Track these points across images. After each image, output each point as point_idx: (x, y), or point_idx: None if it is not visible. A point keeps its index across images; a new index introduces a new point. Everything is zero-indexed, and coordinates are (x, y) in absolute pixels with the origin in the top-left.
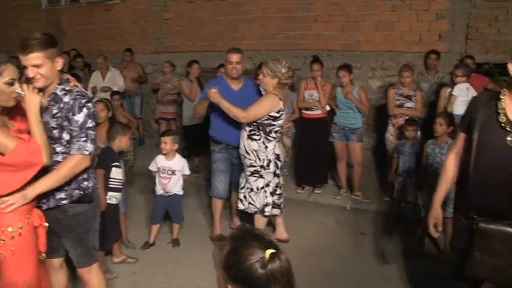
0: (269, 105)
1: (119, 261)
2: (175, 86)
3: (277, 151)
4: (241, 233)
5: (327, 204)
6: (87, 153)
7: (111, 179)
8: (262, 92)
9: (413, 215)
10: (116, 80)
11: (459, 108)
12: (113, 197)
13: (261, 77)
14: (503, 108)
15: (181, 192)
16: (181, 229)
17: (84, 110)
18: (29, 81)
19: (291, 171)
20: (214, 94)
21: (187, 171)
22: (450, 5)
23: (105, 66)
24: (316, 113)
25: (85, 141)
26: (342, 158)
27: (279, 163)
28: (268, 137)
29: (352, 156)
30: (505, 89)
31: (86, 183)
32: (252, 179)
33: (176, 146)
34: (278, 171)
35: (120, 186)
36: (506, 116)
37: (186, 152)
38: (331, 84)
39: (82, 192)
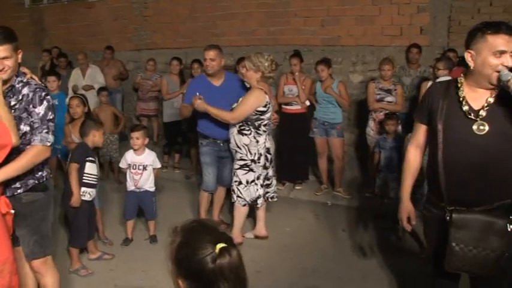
0: (255, 101)
1: (95, 257)
2: (156, 84)
3: (268, 144)
4: (193, 225)
5: (308, 201)
6: (49, 144)
7: (85, 174)
8: (247, 85)
9: (395, 211)
10: (96, 76)
11: None
12: (86, 193)
13: (243, 71)
14: (464, 97)
15: (153, 189)
16: (159, 225)
17: (45, 102)
18: None
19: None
20: (200, 104)
21: (158, 165)
22: None
23: (86, 63)
24: (296, 108)
25: (47, 132)
26: (322, 153)
27: (269, 156)
28: (258, 131)
29: (333, 151)
30: (461, 77)
31: (40, 173)
32: (240, 172)
33: (147, 141)
34: (268, 164)
35: (94, 182)
36: (468, 105)
37: (166, 149)
38: (311, 79)
39: (36, 181)
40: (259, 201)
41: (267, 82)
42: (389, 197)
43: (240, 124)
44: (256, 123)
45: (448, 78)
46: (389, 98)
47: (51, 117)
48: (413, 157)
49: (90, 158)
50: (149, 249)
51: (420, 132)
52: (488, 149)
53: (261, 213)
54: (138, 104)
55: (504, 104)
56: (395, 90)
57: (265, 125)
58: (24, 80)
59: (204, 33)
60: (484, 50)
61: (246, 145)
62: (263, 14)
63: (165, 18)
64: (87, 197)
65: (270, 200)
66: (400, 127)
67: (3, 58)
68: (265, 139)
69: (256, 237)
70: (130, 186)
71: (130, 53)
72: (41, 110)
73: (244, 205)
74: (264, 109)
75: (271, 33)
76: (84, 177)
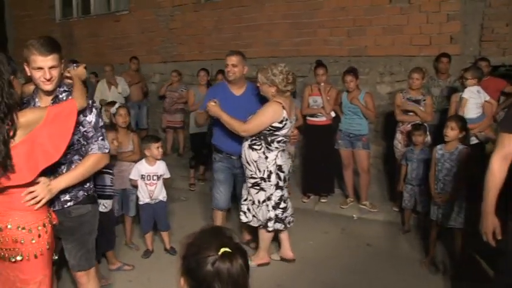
0: (271, 116)
1: (115, 268)
2: (182, 95)
3: (279, 161)
4: (208, 229)
5: (333, 214)
6: (107, 151)
7: (98, 186)
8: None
9: (423, 225)
10: (122, 87)
11: (471, 111)
12: (100, 204)
13: (258, 85)
14: None
15: (165, 198)
16: (178, 236)
17: (94, 110)
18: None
19: (296, 180)
20: (213, 108)
21: (168, 174)
22: (461, 6)
23: (112, 75)
24: (321, 119)
25: (102, 139)
26: (348, 165)
27: (281, 174)
28: (270, 147)
29: (358, 163)
30: None
31: (88, 183)
32: (253, 191)
33: (162, 150)
34: (281, 183)
35: (109, 193)
36: None
37: (193, 162)
38: (336, 89)
39: (86, 193)
40: (270, 224)
41: (285, 96)
42: (416, 211)
43: (252, 138)
44: (269, 139)
45: (478, 87)
46: None
47: (102, 123)
48: (499, 168)
49: (105, 170)
50: (169, 261)
51: (508, 142)
52: None
53: (283, 236)
54: (164, 116)
55: None
56: (424, 100)
57: (279, 142)
58: (66, 89)
59: (230, 44)
60: None
61: (255, 161)
62: (288, 24)
63: (190, 30)
64: (102, 208)
65: (288, 225)
66: (429, 138)
67: (51, 68)
68: (276, 155)
69: (283, 259)
70: (144, 198)
71: (156, 66)
72: (92, 118)
73: (260, 226)
74: (280, 125)
75: (296, 44)
76: (97, 189)
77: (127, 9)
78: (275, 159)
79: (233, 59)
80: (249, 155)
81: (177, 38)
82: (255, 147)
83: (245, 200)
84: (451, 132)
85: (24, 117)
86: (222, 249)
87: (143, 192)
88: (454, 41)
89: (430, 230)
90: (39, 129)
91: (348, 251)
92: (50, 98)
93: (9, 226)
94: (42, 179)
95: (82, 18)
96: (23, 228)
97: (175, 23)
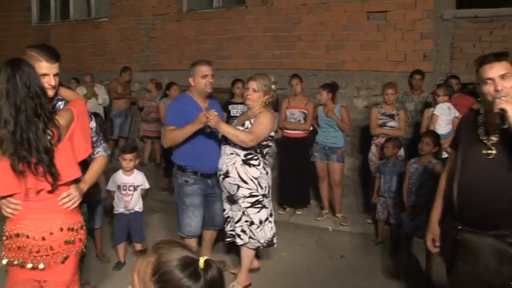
0: (271, 124)
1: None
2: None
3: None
4: (166, 242)
5: (309, 226)
6: (109, 152)
7: None
8: (232, 110)
9: (396, 237)
10: (100, 93)
11: (441, 128)
12: None
13: (249, 92)
14: (483, 122)
15: (141, 209)
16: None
17: (92, 116)
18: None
19: (272, 192)
20: (215, 118)
21: (147, 185)
22: (434, 25)
23: (92, 85)
24: (298, 132)
25: (104, 142)
26: (323, 178)
27: None
28: (265, 161)
29: (331, 176)
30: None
31: None
32: (253, 210)
33: (137, 161)
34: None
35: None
36: (485, 130)
37: (168, 171)
38: (313, 103)
39: None
40: (275, 240)
41: (269, 106)
42: (389, 222)
43: (247, 152)
44: (265, 151)
45: (448, 104)
46: (391, 123)
47: (98, 128)
48: (444, 181)
49: None
50: None
51: (451, 158)
52: (494, 173)
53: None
54: (141, 125)
55: None
56: (398, 115)
57: (267, 153)
58: (60, 97)
59: (210, 55)
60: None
61: (255, 178)
62: (268, 37)
63: (171, 40)
64: None
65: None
66: (402, 152)
67: (56, 75)
68: (270, 169)
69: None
70: (119, 208)
71: (136, 74)
72: (93, 123)
73: (258, 247)
74: (274, 135)
75: (276, 56)
76: None
77: (107, 16)
78: (270, 173)
79: (211, 69)
80: (247, 172)
81: (157, 47)
82: (252, 162)
83: (237, 221)
84: (426, 147)
85: (63, 118)
86: (201, 259)
87: (119, 202)
88: (427, 58)
89: (403, 242)
90: (74, 126)
91: (321, 262)
92: (50, 105)
93: (60, 227)
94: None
95: (60, 22)
96: (72, 229)
97: (156, 32)
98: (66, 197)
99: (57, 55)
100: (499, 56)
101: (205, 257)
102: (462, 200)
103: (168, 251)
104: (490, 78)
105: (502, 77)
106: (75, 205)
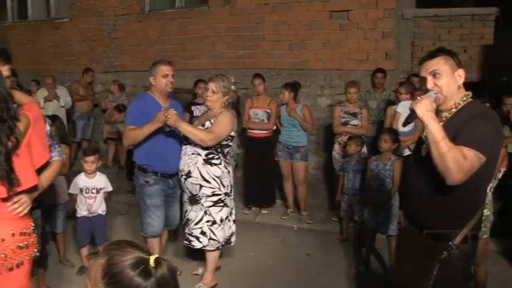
0: (230, 124)
1: None
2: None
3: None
4: (117, 243)
5: (275, 225)
6: (64, 156)
7: None
8: (195, 110)
9: (359, 234)
10: (62, 95)
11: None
12: None
13: (208, 93)
14: None
15: (104, 212)
16: None
17: (46, 119)
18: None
19: (237, 192)
20: (174, 116)
21: (110, 188)
22: (395, 24)
23: (54, 87)
24: (262, 132)
25: (59, 146)
26: (287, 177)
27: None
28: (226, 160)
29: (295, 175)
30: None
31: None
32: (215, 209)
33: (100, 164)
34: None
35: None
36: None
37: (130, 174)
38: (276, 102)
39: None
40: (233, 238)
41: (229, 107)
42: (353, 220)
43: (208, 152)
44: (225, 150)
45: (411, 102)
46: (354, 122)
47: (53, 132)
48: None
49: None
50: None
51: None
52: (424, 170)
53: None
54: (104, 127)
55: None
56: (360, 113)
57: (229, 154)
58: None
59: (173, 56)
60: None
61: (218, 177)
62: (231, 37)
63: (133, 40)
64: None
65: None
66: (365, 150)
67: (7, 77)
68: (232, 168)
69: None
70: (82, 211)
71: (98, 76)
72: (47, 127)
73: (217, 248)
74: (234, 135)
75: (239, 56)
76: None
77: (67, 17)
78: (232, 172)
79: (172, 69)
80: (209, 171)
81: (119, 47)
82: (214, 161)
83: (197, 222)
84: (385, 144)
85: (22, 125)
86: (152, 257)
87: (81, 205)
88: (389, 57)
89: (366, 239)
90: (31, 131)
91: (287, 261)
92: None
93: (12, 233)
94: None
95: (18, 23)
96: (24, 234)
97: (118, 33)
98: (16, 202)
99: (7, 57)
100: (433, 53)
101: (156, 256)
102: (408, 199)
103: (119, 251)
104: (424, 77)
105: (433, 74)
106: (25, 211)
